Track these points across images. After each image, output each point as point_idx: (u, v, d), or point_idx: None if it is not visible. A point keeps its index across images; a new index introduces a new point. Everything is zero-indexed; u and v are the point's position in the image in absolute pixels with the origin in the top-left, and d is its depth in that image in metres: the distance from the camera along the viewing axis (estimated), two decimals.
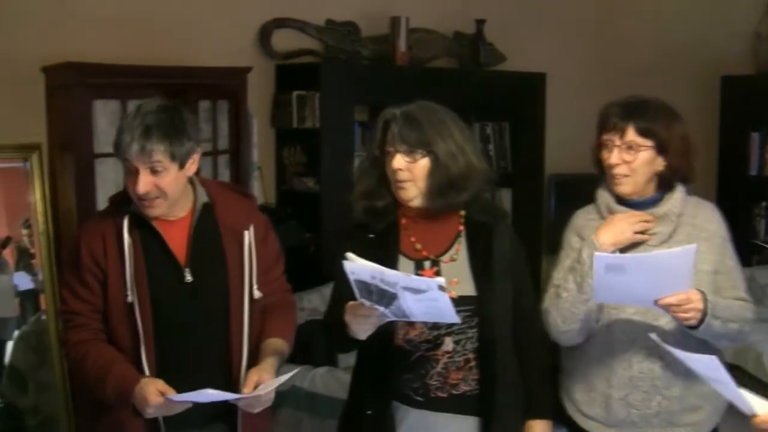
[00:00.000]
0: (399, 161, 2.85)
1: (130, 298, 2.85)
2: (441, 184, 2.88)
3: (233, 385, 2.92)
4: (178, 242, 2.94)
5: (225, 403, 2.82)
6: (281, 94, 6.35)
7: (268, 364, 2.87)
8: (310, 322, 4.96)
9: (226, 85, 5.79)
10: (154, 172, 2.78)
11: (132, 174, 2.80)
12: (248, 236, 2.99)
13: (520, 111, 7.31)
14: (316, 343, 4.83)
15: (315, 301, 5.49)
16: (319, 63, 6.40)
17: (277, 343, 2.98)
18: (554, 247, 7.03)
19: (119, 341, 2.89)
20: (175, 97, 5.18)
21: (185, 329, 2.91)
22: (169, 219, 2.94)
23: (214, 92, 5.70)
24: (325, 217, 6.17)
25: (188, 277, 2.91)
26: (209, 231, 2.98)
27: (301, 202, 6.31)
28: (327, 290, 5.60)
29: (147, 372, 2.82)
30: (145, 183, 2.78)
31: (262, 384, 2.79)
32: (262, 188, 6.15)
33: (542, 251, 7.22)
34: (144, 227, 2.92)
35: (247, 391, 2.77)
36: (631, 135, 2.96)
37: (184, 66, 5.67)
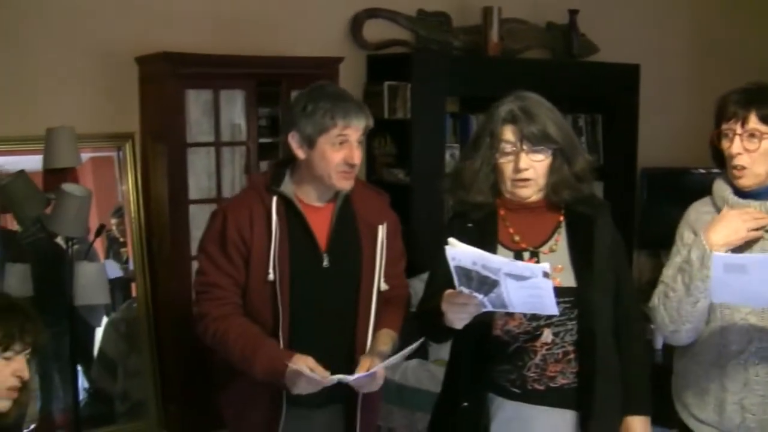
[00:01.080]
0: (525, 161, 2.81)
1: (271, 276, 2.95)
2: (566, 179, 2.86)
3: (354, 369, 2.98)
4: (320, 228, 3.05)
5: (344, 386, 2.90)
6: (372, 85, 6.32)
7: (380, 350, 2.99)
8: None
9: (318, 75, 5.73)
10: (359, 143, 2.96)
11: (338, 146, 2.92)
12: (382, 231, 3.12)
13: (613, 103, 7.17)
14: (407, 334, 4.80)
15: None
16: (410, 53, 6.36)
17: (390, 334, 3.10)
18: (645, 242, 6.95)
19: (255, 317, 3.00)
20: (268, 87, 5.23)
21: (317, 312, 3.02)
22: (314, 205, 3.04)
23: (306, 82, 5.63)
24: (415, 209, 6.13)
25: (326, 262, 3.02)
26: (348, 222, 3.09)
27: (391, 193, 6.18)
28: (416, 282, 5.55)
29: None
30: (358, 155, 2.95)
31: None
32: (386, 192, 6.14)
33: (633, 246, 7.08)
34: (290, 210, 3.02)
35: (360, 373, 2.88)
36: (754, 122, 2.83)
37: (277, 56, 5.69)
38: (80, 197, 4.56)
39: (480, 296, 2.55)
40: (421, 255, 6.03)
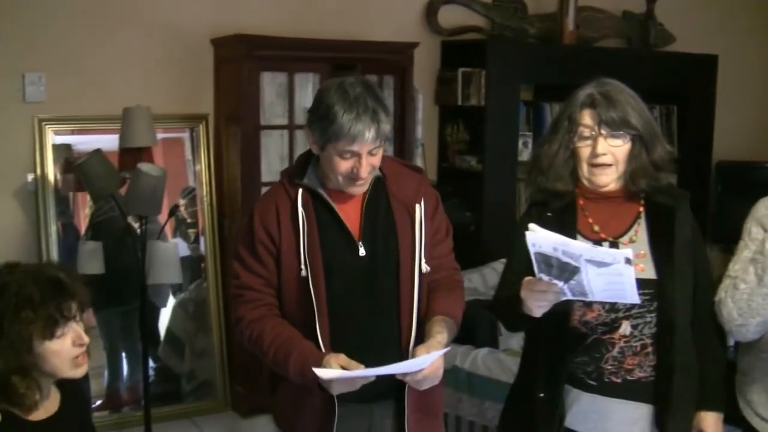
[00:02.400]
0: (603, 146, 2.76)
1: (304, 273, 2.82)
2: (645, 167, 2.79)
3: (402, 360, 2.82)
4: (351, 216, 2.91)
5: (395, 379, 2.75)
6: (446, 71, 6.30)
7: (437, 340, 2.78)
8: (472, 303, 4.89)
9: (392, 60, 5.77)
10: (370, 153, 2.77)
11: (346, 157, 2.76)
12: (419, 210, 2.93)
13: (689, 94, 7.07)
14: (478, 323, 4.78)
15: (475, 281, 5.43)
16: (485, 40, 6.33)
17: (445, 321, 2.90)
18: (718, 237, 6.84)
19: (291, 316, 2.88)
20: (343, 71, 5.22)
21: (357, 304, 2.87)
22: (342, 193, 2.89)
23: (381, 67, 5.69)
24: (487, 197, 6.12)
25: (362, 251, 2.88)
26: (381, 205, 2.93)
27: (463, 180, 6.26)
28: (487, 270, 5.57)
29: (322, 347, 2.78)
30: (366, 165, 2.77)
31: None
32: (424, 165, 6.11)
33: (706, 241, 6.97)
34: (318, 201, 2.89)
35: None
36: None
37: (352, 40, 5.69)
38: (155, 177, 4.58)
39: (560, 283, 2.51)
40: (492, 243, 6.06)
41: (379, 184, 2.92)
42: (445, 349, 2.77)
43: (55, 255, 5.23)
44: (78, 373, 2.52)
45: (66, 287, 2.49)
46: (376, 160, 2.80)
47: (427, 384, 2.77)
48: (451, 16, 6.37)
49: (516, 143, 6.30)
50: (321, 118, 2.75)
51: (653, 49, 6.96)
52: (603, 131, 2.75)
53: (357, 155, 2.74)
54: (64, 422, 2.58)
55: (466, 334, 4.56)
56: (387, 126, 2.76)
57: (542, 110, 6.56)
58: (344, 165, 2.76)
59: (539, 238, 2.45)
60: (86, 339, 2.51)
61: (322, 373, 2.60)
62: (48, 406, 2.56)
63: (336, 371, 2.63)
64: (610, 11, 6.96)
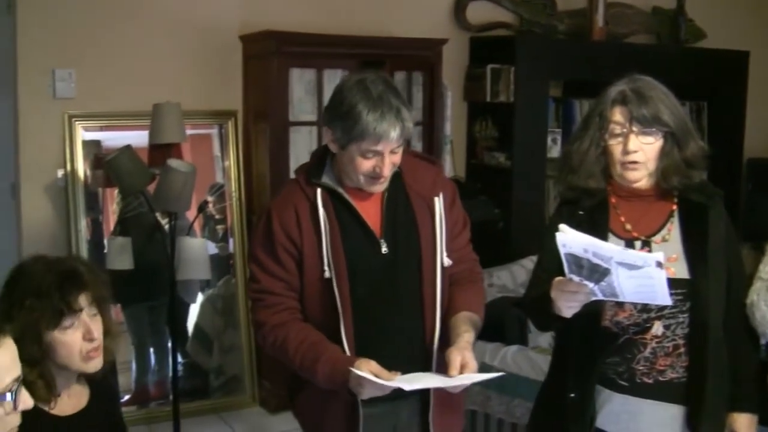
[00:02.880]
0: (634, 143, 2.72)
1: (327, 274, 2.78)
2: (677, 165, 2.75)
3: (426, 359, 2.86)
4: (371, 214, 2.87)
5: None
6: (474, 67, 6.29)
7: (465, 341, 2.75)
8: (501, 300, 4.89)
9: (421, 56, 5.76)
10: (392, 151, 2.74)
11: (368, 156, 2.73)
12: (439, 203, 2.90)
13: (719, 91, 7.03)
14: (508, 321, 4.76)
15: (504, 278, 5.41)
16: (514, 36, 6.31)
17: (470, 317, 2.88)
18: (749, 234, 6.80)
19: (314, 318, 2.84)
20: (372, 67, 5.21)
21: (381, 303, 2.84)
22: (361, 190, 2.86)
23: (409, 64, 5.68)
24: (516, 194, 6.10)
25: (384, 249, 2.85)
26: (400, 200, 2.90)
27: (491, 177, 6.25)
28: (516, 268, 5.55)
29: (347, 349, 2.76)
30: (388, 164, 2.74)
31: (468, 368, 2.67)
32: (452, 162, 6.11)
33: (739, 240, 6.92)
34: (337, 200, 2.85)
35: (454, 372, 2.66)
36: None
37: (381, 36, 5.68)
38: (185, 173, 4.59)
39: (590, 284, 2.49)
40: (521, 240, 6.04)
41: (396, 178, 2.88)
42: (491, 375, 2.78)
43: (84, 250, 5.25)
44: (89, 367, 2.50)
45: (78, 279, 2.49)
46: (398, 158, 2.77)
47: (461, 388, 2.76)
48: (479, 13, 6.35)
49: (545, 140, 6.29)
50: (343, 118, 2.71)
51: (683, 45, 6.92)
52: (634, 128, 2.72)
53: (379, 154, 2.71)
54: (93, 417, 2.59)
55: (496, 332, 4.55)
56: (410, 124, 2.73)
57: (571, 107, 6.53)
58: (366, 164, 2.74)
59: (569, 240, 2.43)
60: (96, 335, 2.48)
61: (368, 375, 2.58)
62: (76, 401, 2.57)
63: (371, 377, 2.59)
64: (639, 7, 6.92)
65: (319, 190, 2.83)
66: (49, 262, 2.51)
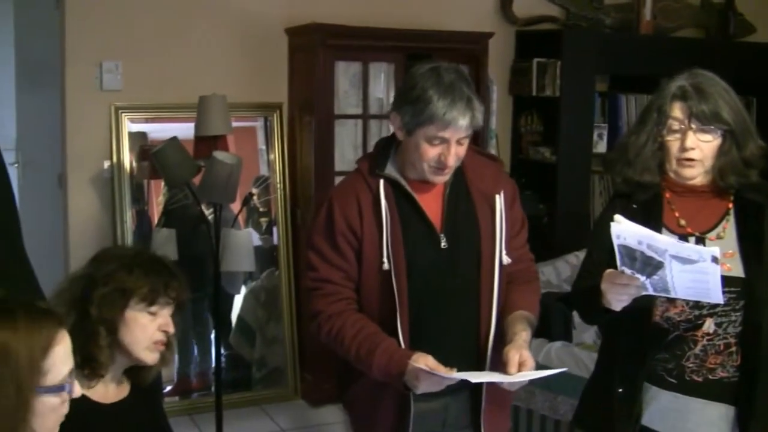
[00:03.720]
0: (692, 140, 2.68)
1: (386, 266, 2.76)
2: (734, 164, 2.70)
3: (480, 356, 2.84)
4: (432, 208, 2.85)
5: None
6: (520, 61, 6.26)
7: (522, 339, 2.73)
8: (545, 295, 4.85)
9: (467, 50, 5.74)
10: (458, 141, 2.72)
11: (434, 143, 2.70)
12: (499, 201, 2.87)
13: None
14: (552, 316, 4.73)
15: (548, 274, 5.38)
16: (560, 30, 6.27)
17: (526, 316, 2.86)
18: None
19: (370, 310, 2.83)
20: (417, 60, 5.19)
21: (438, 297, 2.82)
22: (423, 183, 2.84)
23: (455, 57, 5.62)
24: (561, 189, 6.08)
25: (444, 244, 2.82)
26: (461, 196, 2.88)
27: (536, 172, 6.23)
28: (560, 263, 5.52)
29: (402, 342, 2.74)
30: (454, 154, 2.71)
31: (526, 366, 2.65)
32: (497, 156, 6.08)
33: None
34: (399, 193, 2.83)
35: (512, 370, 2.64)
36: None
37: (427, 30, 5.66)
38: (231, 164, 4.60)
39: (642, 278, 2.45)
40: (565, 235, 6.01)
41: (458, 174, 2.86)
42: (552, 372, 2.77)
43: (129, 241, 5.31)
44: (151, 357, 2.54)
45: (176, 275, 2.56)
46: (462, 150, 2.74)
47: (519, 386, 2.74)
48: (525, 6, 6.32)
49: (591, 135, 6.24)
50: (414, 102, 2.68)
51: (732, 39, 6.83)
52: (693, 125, 2.68)
53: (446, 142, 2.68)
54: (134, 406, 2.61)
55: (540, 327, 4.52)
56: (480, 115, 2.71)
57: (618, 101, 6.47)
58: (431, 152, 2.71)
59: (624, 230, 2.40)
60: (172, 329, 2.55)
61: (420, 366, 2.57)
62: (118, 391, 2.59)
63: (431, 370, 2.58)
64: (688, 1, 6.84)
65: (381, 181, 2.81)
66: (150, 251, 2.65)
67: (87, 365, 2.45)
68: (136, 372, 2.62)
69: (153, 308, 2.51)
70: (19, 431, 1.85)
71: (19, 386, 1.83)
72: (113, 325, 2.47)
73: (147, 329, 2.50)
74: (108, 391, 2.55)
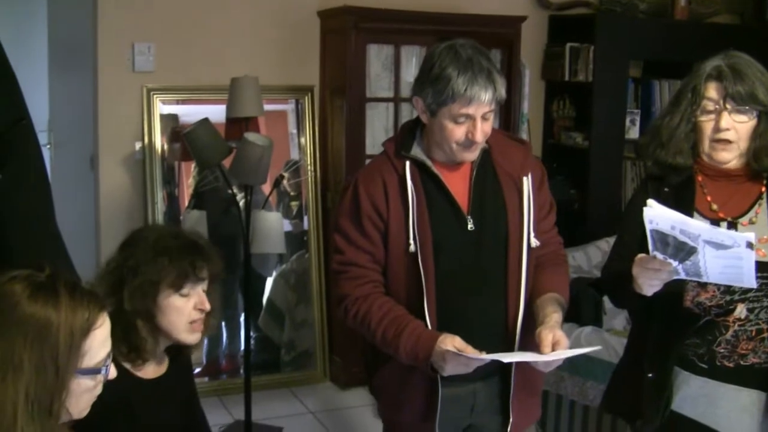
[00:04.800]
0: (727, 120, 2.65)
1: (413, 248, 2.74)
2: None
3: (508, 339, 2.82)
4: (459, 189, 2.82)
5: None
6: (553, 46, 6.23)
7: (554, 320, 2.71)
8: (576, 280, 4.83)
9: (500, 34, 5.72)
10: (484, 117, 2.69)
11: (459, 121, 2.67)
12: (527, 183, 2.84)
13: None
14: (583, 302, 4.70)
15: (579, 259, 5.36)
16: (594, 15, 6.22)
17: (557, 298, 2.83)
18: None
19: (397, 293, 2.81)
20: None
21: (465, 279, 2.79)
22: (449, 165, 2.81)
23: (487, 41, 5.56)
24: (593, 175, 6.06)
25: (471, 225, 2.80)
26: (489, 178, 2.84)
27: (568, 157, 6.21)
28: (591, 249, 5.49)
29: (429, 325, 2.72)
30: (480, 129, 2.67)
31: (560, 345, 2.62)
32: (528, 141, 6.05)
33: None
34: (425, 174, 2.80)
35: (546, 350, 2.61)
36: None
37: (459, 13, 5.63)
38: (262, 146, 4.60)
39: (674, 263, 2.43)
40: (597, 221, 5.98)
41: (485, 155, 2.83)
42: (587, 349, 2.76)
43: (160, 223, 5.30)
44: (191, 338, 2.57)
45: (203, 250, 2.57)
46: (489, 126, 2.71)
47: (553, 366, 2.72)
48: None
49: (623, 121, 6.22)
50: (433, 82, 2.66)
51: None
52: (728, 106, 2.64)
53: (471, 119, 2.65)
54: (171, 383, 2.65)
55: (570, 312, 4.49)
56: (502, 88, 2.67)
57: (651, 87, 6.43)
58: (458, 131, 2.68)
59: (657, 215, 2.37)
60: (208, 306, 2.57)
61: (454, 350, 2.55)
62: (157, 367, 2.62)
63: (458, 351, 2.57)
64: None
65: (407, 163, 2.78)
66: (173, 231, 2.66)
67: (133, 352, 2.50)
68: (177, 349, 2.66)
69: (184, 291, 2.52)
70: (54, 408, 1.86)
71: (57, 365, 1.85)
72: (149, 314, 2.50)
73: (182, 312, 2.53)
74: (149, 368, 2.59)
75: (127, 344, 2.47)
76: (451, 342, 2.57)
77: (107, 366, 1.97)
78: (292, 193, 5.79)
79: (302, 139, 5.68)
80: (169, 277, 2.49)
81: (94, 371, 1.93)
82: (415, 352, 2.65)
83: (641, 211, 2.39)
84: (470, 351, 2.55)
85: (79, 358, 1.89)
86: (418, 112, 2.78)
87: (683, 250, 2.36)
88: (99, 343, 1.94)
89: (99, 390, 1.98)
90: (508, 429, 2.88)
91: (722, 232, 2.33)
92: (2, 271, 1.94)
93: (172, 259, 2.49)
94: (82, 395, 1.94)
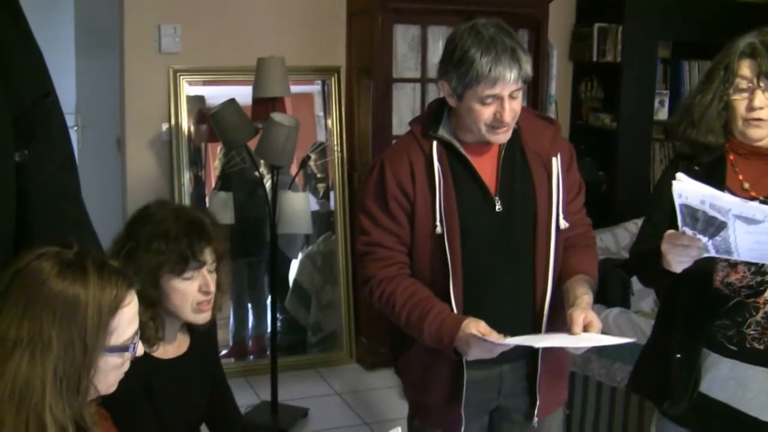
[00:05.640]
0: (761, 99, 2.60)
1: (439, 229, 2.71)
2: None
3: (536, 322, 2.79)
4: (486, 170, 2.78)
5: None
6: (581, 26, 6.19)
7: (586, 302, 2.68)
8: (604, 261, 4.80)
9: (527, 14, 5.68)
10: (512, 96, 2.64)
11: (487, 102, 2.62)
12: (556, 164, 2.80)
13: None
14: (610, 283, 4.68)
15: (607, 241, 5.33)
16: None
17: (587, 280, 2.80)
18: None
19: (423, 275, 2.78)
20: None
21: (492, 261, 2.76)
22: (477, 145, 2.77)
23: (515, 21, 5.55)
24: (621, 156, 6.03)
25: (498, 206, 2.76)
26: (517, 158, 2.80)
27: (596, 138, 6.18)
28: (619, 231, 5.46)
29: (455, 307, 2.70)
30: (509, 109, 2.62)
31: (592, 327, 2.59)
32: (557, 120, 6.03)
33: None
34: (452, 155, 2.77)
35: (577, 330, 2.57)
36: None
37: None
38: (288, 126, 4.59)
39: (704, 239, 2.39)
40: (625, 203, 5.95)
41: (513, 136, 2.77)
42: (620, 340, 2.68)
43: (187, 204, 5.31)
44: (198, 319, 2.55)
45: (204, 230, 2.53)
46: (517, 104, 2.66)
47: (584, 349, 2.72)
48: None
49: (652, 102, 6.18)
50: (457, 65, 2.61)
51: None
52: (762, 84, 2.59)
53: (499, 99, 2.60)
54: (192, 363, 2.65)
55: (597, 294, 4.46)
56: (528, 65, 2.62)
57: (680, 68, 6.39)
58: (486, 112, 2.63)
59: (686, 189, 2.33)
60: (212, 288, 2.54)
61: (472, 332, 2.53)
62: (177, 347, 2.63)
63: (490, 338, 2.54)
64: None
65: (435, 143, 2.75)
66: (176, 209, 2.59)
67: (143, 335, 2.47)
68: (199, 329, 2.65)
69: (186, 274, 2.49)
70: (82, 385, 1.87)
71: (85, 342, 1.85)
72: (150, 300, 2.46)
73: (186, 295, 2.51)
74: (166, 348, 2.59)
75: None
76: (475, 327, 2.55)
77: (135, 344, 1.97)
78: (319, 175, 5.79)
79: (329, 121, 5.68)
80: (167, 262, 2.46)
81: (121, 349, 1.94)
82: (439, 335, 2.63)
83: (671, 189, 2.36)
84: (494, 336, 2.52)
85: (107, 335, 1.89)
86: (445, 96, 2.74)
87: (713, 225, 2.32)
88: (127, 320, 1.94)
89: (126, 367, 1.99)
90: (536, 411, 2.86)
91: (753, 206, 2.28)
92: (30, 248, 1.94)
93: (169, 242, 2.46)
94: (109, 372, 1.94)
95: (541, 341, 2.63)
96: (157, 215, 2.53)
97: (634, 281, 4.74)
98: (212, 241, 2.54)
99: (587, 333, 2.57)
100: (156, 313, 2.50)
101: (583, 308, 2.63)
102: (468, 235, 2.73)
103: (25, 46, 2.42)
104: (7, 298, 1.86)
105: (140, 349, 2.00)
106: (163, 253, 2.46)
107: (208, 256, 2.53)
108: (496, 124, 2.65)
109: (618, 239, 5.40)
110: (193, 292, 2.51)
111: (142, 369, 2.33)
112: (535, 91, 5.73)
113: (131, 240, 2.50)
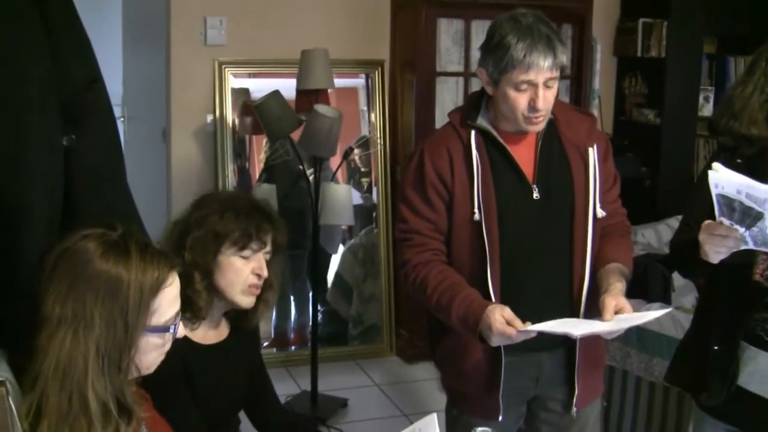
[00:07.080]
0: None
1: (477, 217, 2.74)
2: None
3: (573, 310, 2.79)
4: (524, 159, 2.81)
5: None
6: (626, 21, 6.16)
7: (618, 289, 2.69)
8: (645, 256, 4.79)
9: (571, 8, 5.67)
10: (546, 84, 2.68)
11: (522, 89, 2.66)
12: (593, 154, 2.83)
13: None
14: (652, 278, 4.66)
15: (649, 236, 5.31)
16: None
17: (621, 269, 2.80)
18: None
19: (461, 262, 2.81)
20: None
21: (530, 248, 2.79)
22: (515, 134, 2.80)
23: (559, 15, 5.58)
24: (665, 152, 5.99)
25: (536, 194, 2.79)
26: (554, 148, 2.83)
27: (639, 134, 6.14)
28: (661, 227, 5.43)
29: (492, 294, 2.72)
30: (543, 97, 2.66)
31: (624, 312, 2.61)
32: (600, 117, 6.00)
33: None
34: (490, 144, 2.80)
35: (608, 317, 2.60)
36: None
37: None
38: (331, 118, 4.62)
39: (741, 229, 2.38)
40: (667, 199, 5.91)
41: (550, 126, 2.82)
42: (652, 315, 2.71)
43: None
44: (246, 301, 2.59)
45: (272, 217, 2.62)
46: (552, 94, 2.69)
47: (616, 334, 2.70)
48: None
49: (697, 98, 6.14)
50: (494, 51, 2.65)
51: None
52: None
53: (533, 86, 2.64)
54: (232, 350, 2.69)
55: (638, 289, 4.45)
56: (563, 55, 2.65)
57: (726, 64, 6.34)
58: (521, 99, 2.67)
59: (723, 179, 2.32)
60: (265, 273, 2.59)
61: (497, 322, 2.55)
62: (217, 334, 2.67)
63: (507, 327, 2.55)
64: None
65: (473, 132, 2.79)
66: (245, 194, 2.74)
67: (188, 308, 2.51)
68: (239, 317, 2.71)
69: (245, 252, 2.55)
70: (123, 363, 1.91)
71: (127, 322, 1.90)
72: (207, 269, 2.53)
73: (241, 273, 2.56)
74: (207, 333, 2.64)
75: (183, 297, 2.48)
76: (499, 312, 2.57)
77: (176, 324, 2.01)
78: (363, 169, 5.81)
79: (372, 115, 5.70)
80: (233, 234, 2.53)
81: (162, 329, 1.97)
82: (465, 318, 2.66)
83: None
84: (518, 324, 2.54)
85: (148, 315, 1.93)
86: (483, 84, 2.78)
87: (750, 216, 2.31)
88: (168, 302, 1.98)
89: (167, 348, 2.03)
90: (574, 401, 2.87)
91: None
92: (75, 229, 1.98)
93: (239, 217, 2.54)
94: (150, 352, 1.98)
95: (574, 327, 2.62)
96: (227, 194, 2.65)
97: (676, 277, 4.72)
98: (275, 229, 2.61)
99: (618, 315, 2.59)
100: (210, 285, 2.55)
101: (615, 295, 2.65)
102: (506, 221, 2.76)
103: (74, 32, 2.47)
104: (53, 276, 1.91)
105: (181, 331, 2.04)
106: (232, 223, 2.53)
107: (268, 241, 2.59)
108: (531, 110, 2.68)
109: (660, 235, 5.36)
110: (247, 272, 2.56)
111: (182, 353, 2.37)
112: (578, 86, 5.72)
113: (203, 209, 2.57)
